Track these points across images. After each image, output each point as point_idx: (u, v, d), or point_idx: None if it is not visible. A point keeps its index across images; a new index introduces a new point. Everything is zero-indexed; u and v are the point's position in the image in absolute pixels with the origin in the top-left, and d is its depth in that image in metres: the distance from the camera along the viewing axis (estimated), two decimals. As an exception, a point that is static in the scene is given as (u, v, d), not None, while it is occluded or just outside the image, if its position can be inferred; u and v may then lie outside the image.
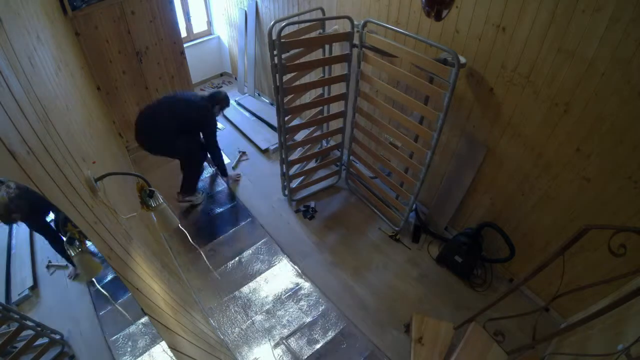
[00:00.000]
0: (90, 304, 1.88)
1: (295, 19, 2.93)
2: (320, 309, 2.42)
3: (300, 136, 3.02)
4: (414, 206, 2.76)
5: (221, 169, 3.24)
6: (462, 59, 1.94)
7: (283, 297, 2.50)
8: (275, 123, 3.71)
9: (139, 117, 2.72)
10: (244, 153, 3.71)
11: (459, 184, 2.49)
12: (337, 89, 2.91)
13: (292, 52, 2.37)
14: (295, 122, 2.79)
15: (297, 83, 2.55)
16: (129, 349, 1.81)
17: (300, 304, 2.46)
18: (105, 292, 1.39)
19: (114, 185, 1.72)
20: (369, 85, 2.55)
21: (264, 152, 3.72)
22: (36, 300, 1.77)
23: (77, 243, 1.06)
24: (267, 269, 2.68)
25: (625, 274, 1.37)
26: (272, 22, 2.12)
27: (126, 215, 1.62)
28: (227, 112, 4.20)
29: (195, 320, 1.92)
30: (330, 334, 2.29)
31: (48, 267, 1.77)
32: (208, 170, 3.55)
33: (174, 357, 1.12)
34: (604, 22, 1.46)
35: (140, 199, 1.32)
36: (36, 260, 1.94)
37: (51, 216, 1.45)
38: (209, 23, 4.54)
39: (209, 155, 3.10)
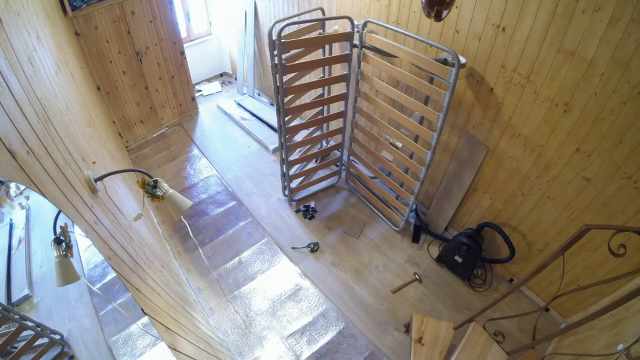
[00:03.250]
0: (90, 304, 1.88)
1: (295, 19, 2.93)
2: (320, 309, 2.42)
3: (300, 136, 3.02)
4: (414, 206, 2.75)
5: None
6: (462, 59, 1.93)
7: (283, 297, 2.50)
8: (275, 123, 3.71)
9: None
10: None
11: (459, 184, 2.49)
12: (337, 89, 2.91)
13: (292, 52, 2.37)
14: (295, 122, 2.79)
15: (297, 83, 2.55)
16: (129, 349, 1.81)
17: (300, 304, 2.46)
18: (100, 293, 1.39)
19: (115, 185, 1.72)
20: (369, 85, 2.55)
21: (265, 151, 3.72)
22: (36, 300, 1.77)
23: (64, 246, 1.05)
24: (267, 269, 2.68)
25: (625, 274, 1.37)
26: (272, 22, 2.12)
27: (127, 215, 1.62)
28: (229, 109, 4.21)
29: (195, 320, 1.92)
30: (330, 334, 2.29)
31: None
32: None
33: (174, 357, 1.12)
34: (604, 22, 1.46)
35: (146, 193, 1.31)
36: (36, 260, 1.94)
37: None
38: (209, 23, 4.54)
39: None
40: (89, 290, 1.89)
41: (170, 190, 1.32)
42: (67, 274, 1.05)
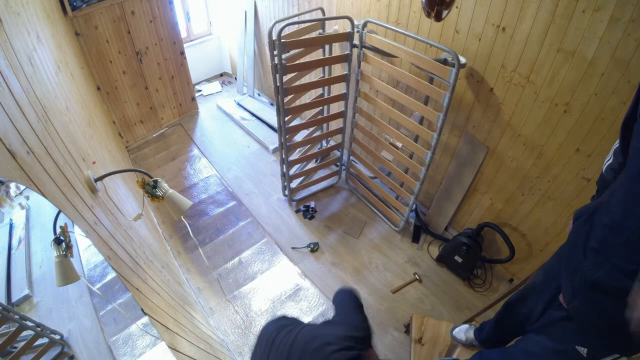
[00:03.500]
0: (90, 304, 1.88)
1: (295, 19, 2.93)
2: (320, 309, 2.42)
3: (300, 136, 3.02)
4: (414, 206, 2.75)
5: None
6: (462, 59, 1.93)
7: (283, 297, 2.50)
8: (275, 123, 3.71)
9: None
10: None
11: (459, 184, 2.49)
12: (337, 89, 2.91)
13: (292, 52, 2.37)
14: (295, 122, 2.79)
15: (297, 83, 2.55)
16: (129, 349, 1.81)
17: (301, 304, 2.46)
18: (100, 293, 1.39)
19: (115, 185, 1.72)
20: (369, 85, 2.55)
21: (265, 151, 3.72)
22: (36, 300, 1.77)
23: (64, 246, 1.05)
24: (267, 269, 2.68)
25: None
26: (272, 23, 2.12)
27: (127, 215, 1.62)
28: (229, 109, 4.21)
29: (195, 320, 1.92)
30: (330, 334, 2.29)
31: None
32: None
33: (174, 357, 1.12)
34: (604, 22, 1.46)
35: (146, 193, 1.32)
36: (36, 260, 1.94)
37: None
38: (209, 23, 4.54)
39: None
40: (89, 290, 1.89)
41: (170, 190, 1.32)
42: (67, 274, 1.05)
